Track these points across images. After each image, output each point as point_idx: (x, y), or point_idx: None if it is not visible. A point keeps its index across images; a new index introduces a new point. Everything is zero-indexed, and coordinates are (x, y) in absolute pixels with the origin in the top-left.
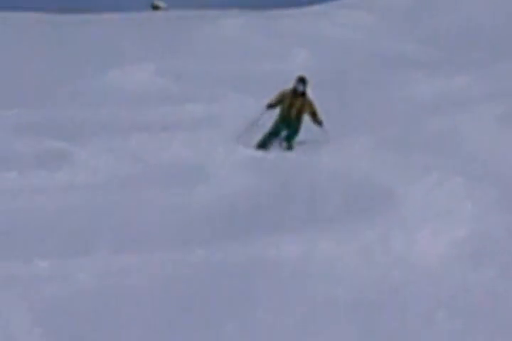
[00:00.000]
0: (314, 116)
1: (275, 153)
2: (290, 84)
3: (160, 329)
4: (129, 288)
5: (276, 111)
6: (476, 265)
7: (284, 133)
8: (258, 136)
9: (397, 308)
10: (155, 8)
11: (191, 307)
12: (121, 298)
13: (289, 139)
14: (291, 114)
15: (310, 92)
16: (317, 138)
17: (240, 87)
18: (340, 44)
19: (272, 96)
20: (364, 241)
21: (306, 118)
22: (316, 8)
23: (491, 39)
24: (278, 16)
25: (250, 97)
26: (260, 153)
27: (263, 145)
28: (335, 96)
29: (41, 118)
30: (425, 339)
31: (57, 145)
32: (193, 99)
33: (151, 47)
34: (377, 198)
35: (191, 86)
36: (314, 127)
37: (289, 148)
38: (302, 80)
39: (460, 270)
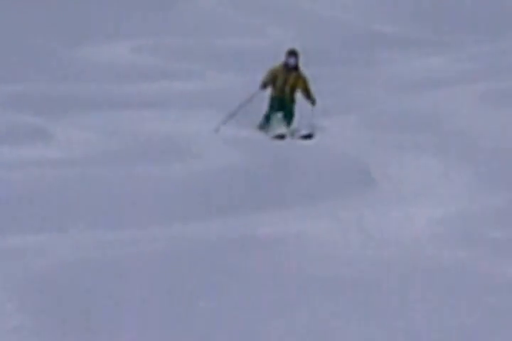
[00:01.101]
0: (307, 92)
1: (255, 133)
2: (268, 61)
3: (131, 305)
4: (107, 263)
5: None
6: (451, 244)
7: (279, 115)
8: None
9: (370, 288)
10: None
11: (161, 284)
12: (99, 273)
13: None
14: (285, 91)
15: None
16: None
17: (218, 63)
18: (319, 22)
19: (253, 72)
20: (338, 219)
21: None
22: None
23: (471, 19)
24: None
25: (229, 73)
26: (243, 131)
27: (262, 128)
28: (314, 74)
29: (16, 93)
30: (399, 318)
31: (33, 120)
32: (170, 75)
33: (128, 22)
34: (354, 177)
35: (168, 62)
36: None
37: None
38: (293, 53)
39: (433, 251)
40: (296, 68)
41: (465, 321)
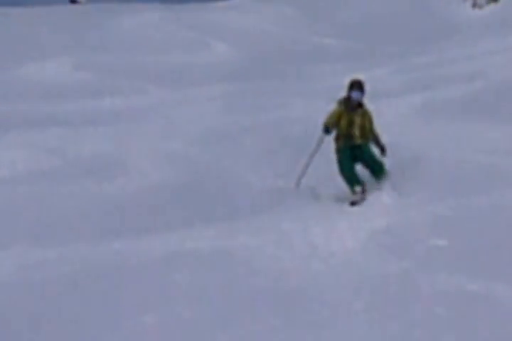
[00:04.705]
0: (373, 135)
1: (197, 148)
2: (208, 76)
3: (76, 322)
4: (46, 281)
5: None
6: (394, 256)
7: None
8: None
9: (316, 298)
10: (73, 1)
11: (108, 300)
12: (38, 292)
13: (379, 173)
14: (355, 135)
15: (230, 85)
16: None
17: (160, 80)
18: (259, 37)
19: (195, 87)
20: (283, 231)
21: None
22: (235, 1)
23: (405, 30)
24: (198, 10)
25: (170, 90)
26: (180, 147)
27: (355, 182)
28: (253, 88)
29: None
30: (343, 329)
31: None
32: (112, 92)
33: (70, 40)
34: (298, 190)
35: (110, 79)
36: None
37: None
38: (358, 85)
39: (378, 261)
40: (360, 104)
41: (411, 331)
